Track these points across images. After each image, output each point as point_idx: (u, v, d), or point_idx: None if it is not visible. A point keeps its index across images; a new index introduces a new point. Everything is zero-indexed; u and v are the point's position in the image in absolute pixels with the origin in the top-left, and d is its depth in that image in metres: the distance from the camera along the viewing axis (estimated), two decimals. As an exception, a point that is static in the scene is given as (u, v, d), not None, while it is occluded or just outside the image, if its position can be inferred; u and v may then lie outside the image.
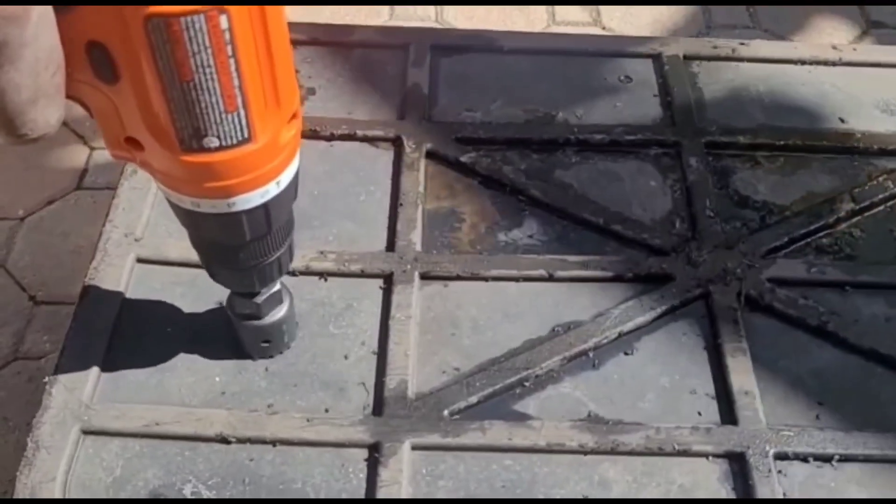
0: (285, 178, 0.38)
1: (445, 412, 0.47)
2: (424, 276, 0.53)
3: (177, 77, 0.32)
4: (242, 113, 0.34)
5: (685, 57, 0.66)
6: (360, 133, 0.60)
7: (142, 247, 0.53)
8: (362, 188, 0.57)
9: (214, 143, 0.34)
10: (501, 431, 0.46)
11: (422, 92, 0.63)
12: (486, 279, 0.53)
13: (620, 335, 0.51)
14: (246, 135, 0.35)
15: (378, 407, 0.47)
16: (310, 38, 0.66)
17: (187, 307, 0.50)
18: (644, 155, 0.60)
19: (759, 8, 1.41)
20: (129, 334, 0.49)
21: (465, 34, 0.68)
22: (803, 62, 0.66)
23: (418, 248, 0.54)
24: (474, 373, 0.49)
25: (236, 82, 0.33)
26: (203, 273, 0.52)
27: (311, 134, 0.59)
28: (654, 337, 0.51)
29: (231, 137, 0.35)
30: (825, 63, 0.66)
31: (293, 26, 0.73)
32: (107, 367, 0.48)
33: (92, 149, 1.22)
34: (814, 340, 0.51)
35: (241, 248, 0.41)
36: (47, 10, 0.27)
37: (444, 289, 0.53)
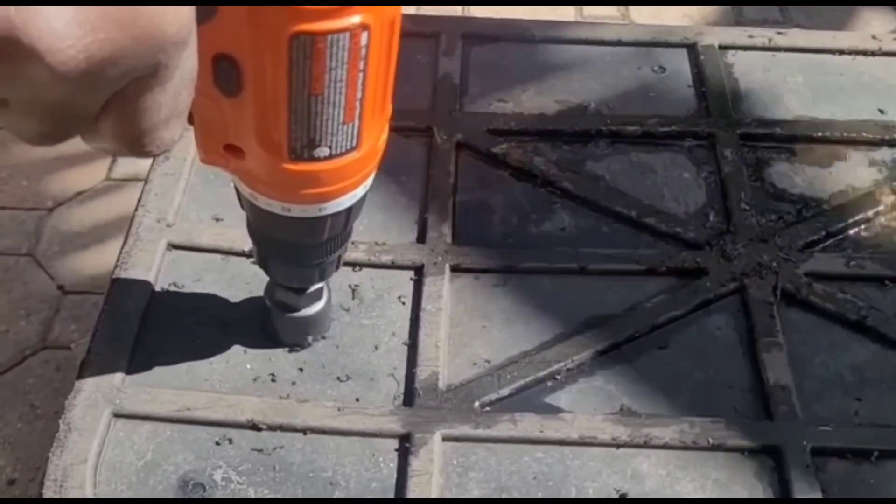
0: (371, 179, 0.39)
1: (476, 404, 0.46)
2: (455, 269, 0.52)
3: (306, 91, 0.32)
4: (357, 123, 0.34)
5: (720, 47, 0.65)
6: (390, 123, 0.59)
7: (173, 232, 0.53)
8: (393, 179, 0.57)
9: (325, 152, 0.34)
10: (533, 423, 0.46)
11: (453, 82, 0.62)
12: (517, 272, 0.52)
13: (654, 329, 0.50)
14: (354, 143, 0.35)
15: (409, 398, 0.46)
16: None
17: (218, 293, 0.50)
18: (678, 147, 0.60)
19: (793, 7, 1.39)
20: (160, 319, 0.49)
21: (497, 23, 0.67)
22: (842, 52, 0.65)
23: (449, 240, 0.53)
24: (505, 365, 0.48)
25: (359, 95, 0.33)
26: (234, 259, 0.52)
27: (341, 123, 0.59)
28: (689, 331, 0.50)
29: (341, 147, 0.34)
30: (864, 53, 0.65)
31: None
32: (138, 351, 0.48)
33: (120, 140, 1.23)
34: (852, 335, 0.50)
35: (313, 247, 0.41)
36: (195, 37, 0.26)
37: (475, 281, 0.52)
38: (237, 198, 0.40)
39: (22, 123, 0.26)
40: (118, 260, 0.51)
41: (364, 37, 0.31)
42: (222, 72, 0.31)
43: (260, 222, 0.40)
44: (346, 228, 0.41)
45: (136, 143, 0.28)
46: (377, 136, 0.36)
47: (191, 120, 0.34)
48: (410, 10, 1.38)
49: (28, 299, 1.07)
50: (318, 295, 0.47)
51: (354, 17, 0.30)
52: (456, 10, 1.39)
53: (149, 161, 0.57)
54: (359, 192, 0.38)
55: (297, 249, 0.41)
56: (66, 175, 1.19)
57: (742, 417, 0.46)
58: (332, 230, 0.40)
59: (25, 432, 0.95)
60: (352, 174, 0.36)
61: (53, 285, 1.09)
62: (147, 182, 0.56)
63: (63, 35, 0.22)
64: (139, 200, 0.55)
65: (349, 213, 0.39)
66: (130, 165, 1.19)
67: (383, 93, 0.35)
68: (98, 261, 1.10)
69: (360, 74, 0.32)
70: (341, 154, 0.35)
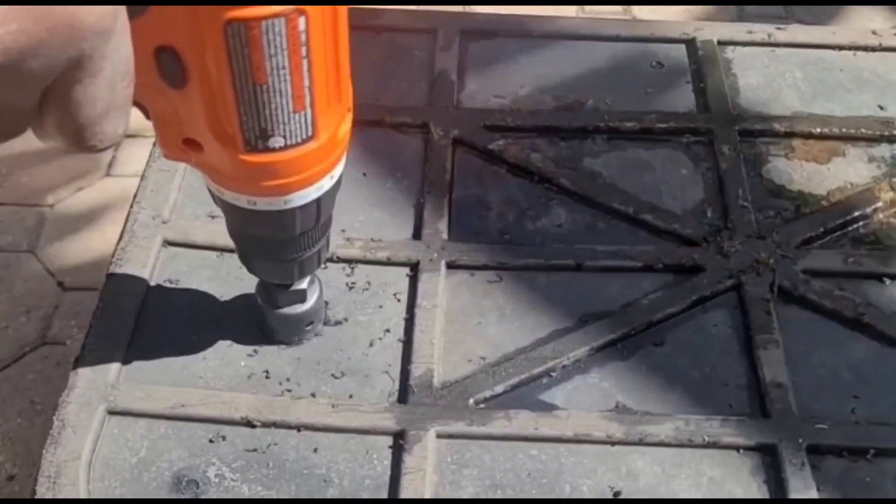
0: (338, 171, 0.38)
1: (471, 401, 0.46)
2: (451, 265, 0.52)
3: (250, 80, 0.31)
4: (309, 112, 0.33)
5: (719, 42, 0.65)
6: (387, 119, 0.59)
7: (169, 229, 0.53)
8: (389, 175, 0.57)
9: (280, 142, 0.34)
10: (528, 421, 0.45)
11: (450, 78, 0.62)
12: (513, 268, 0.52)
13: (650, 326, 0.50)
14: (310, 133, 0.34)
15: (403, 395, 0.46)
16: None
17: (213, 290, 0.50)
18: (676, 143, 0.59)
19: (795, 7, 1.38)
20: (155, 316, 0.49)
21: (495, 18, 0.67)
22: (841, 48, 0.65)
23: (445, 236, 0.53)
24: (500, 362, 0.48)
25: (307, 82, 0.32)
26: (230, 256, 0.52)
27: (337, 119, 0.59)
28: (685, 328, 0.50)
29: (296, 136, 0.34)
30: (864, 48, 0.65)
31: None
32: (133, 348, 0.48)
33: (120, 137, 1.23)
34: (849, 333, 0.50)
35: (287, 241, 0.40)
36: (126, 19, 0.26)
37: (471, 278, 0.52)
38: (211, 196, 0.40)
39: None
40: (113, 256, 0.51)
41: (301, 21, 0.30)
42: (165, 64, 0.31)
43: (230, 217, 0.40)
44: (319, 222, 0.40)
45: (78, 137, 0.28)
46: (335, 126, 0.36)
47: (148, 116, 0.34)
48: (409, 6, 1.37)
49: (28, 296, 1.07)
50: (308, 292, 0.46)
51: (289, 5, 0.30)
52: (456, 8, 1.39)
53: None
54: (325, 183, 0.38)
55: (271, 245, 0.41)
56: (66, 172, 1.19)
57: (738, 415, 0.46)
58: (303, 224, 0.39)
59: (25, 428, 0.95)
60: (312, 164, 0.36)
61: (53, 282, 1.09)
62: (143, 178, 0.56)
63: None
64: (134, 197, 0.55)
65: (318, 206, 0.39)
66: (131, 163, 1.19)
67: (336, 80, 0.34)
68: (98, 257, 1.10)
69: (304, 61, 0.31)
70: (297, 144, 0.34)
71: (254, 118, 0.33)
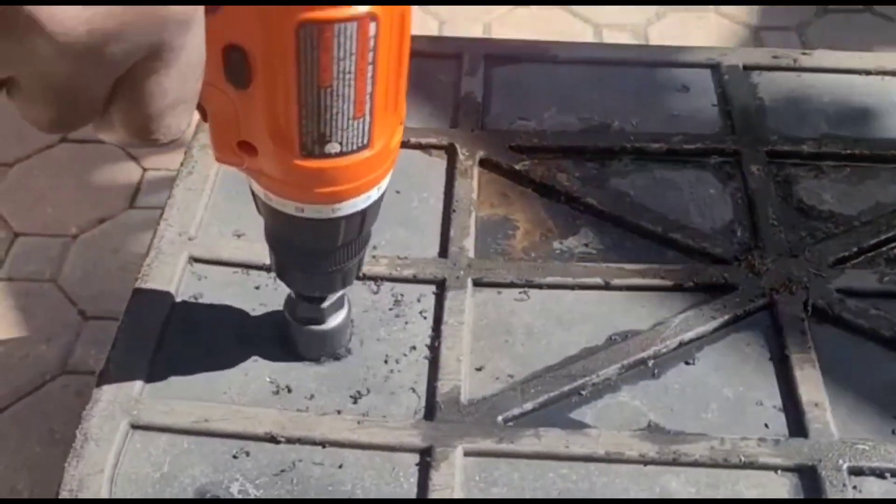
0: (384, 183, 0.38)
1: (499, 418, 0.45)
2: (477, 283, 0.52)
3: (315, 82, 0.31)
4: (367, 119, 0.34)
5: (745, 67, 0.65)
6: (413, 140, 0.59)
7: (195, 246, 0.53)
8: (415, 195, 0.57)
9: (336, 148, 0.34)
10: (558, 439, 0.44)
11: (475, 100, 0.62)
12: (540, 286, 0.51)
13: (681, 344, 0.49)
14: (365, 141, 0.34)
15: (430, 412, 0.45)
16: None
17: (238, 306, 0.50)
18: (703, 164, 0.59)
19: (812, 33, 1.39)
20: (180, 331, 0.49)
21: (519, 44, 0.68)
22: (868, 72, 0.65)
23: (471, 254, 0.53)
24: (529, 380, 0.47)
25: (369, 88, 0.32)
26: (255, 273, 0.52)
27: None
28: (717, 347, 0.49)
29: (352, 143, 0.34)
30: (892, 73, 0.64)
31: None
32: (157, 362, 0.47)
33: (144, 169, 1.24)
34: (887, 353, 0.49)
35: (328, 251, 0.40)
36: (202, 11, 0.26)
37: (498, 296, 0.51)
38: (254, 202, 0.40)
39: (33, 108, 0.26)
40: (139, 273, 0.51)
41: (372, 27, 0.30)
42: (232, 63, 0.31)
43: (274, 224, 0.40)
44: (362, 233, 0.40)
45: (143, 129, 0.28)
46: (389, 136, 0.36)
47: (204, 116, 0.34)
48: (433, 31, 1.40)
49: (49, 324, 1.08)
50: (337, 308, 0.46)
51: (362, 6, 0.29)
52: (477, 30, 1.41)
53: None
54: (372, 194, 0.38)
55: (312, 254, 0.41)
56: (90, 203, 1.20)
57: (775, 435, 0.45)
58: (346, 234, 0.39)
59: (44, 456, 0.95)
60: (364, 174, 0.36)
61: (75, 310, 1.09)
62: (170, 197, 0.56)
63: (65, 6, 0.22)
64: (161, 215, 0.55)
65: (363, 217, 0.39)
66: (154, 195, 1.20)
67: (395, 90, 0.34)
68: (120, 287, 1.10)
69: (370, 67, 0.32)
70: (352, 151, 0.34)
71: (314, 122, 0.33)
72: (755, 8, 1.45)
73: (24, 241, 1.16)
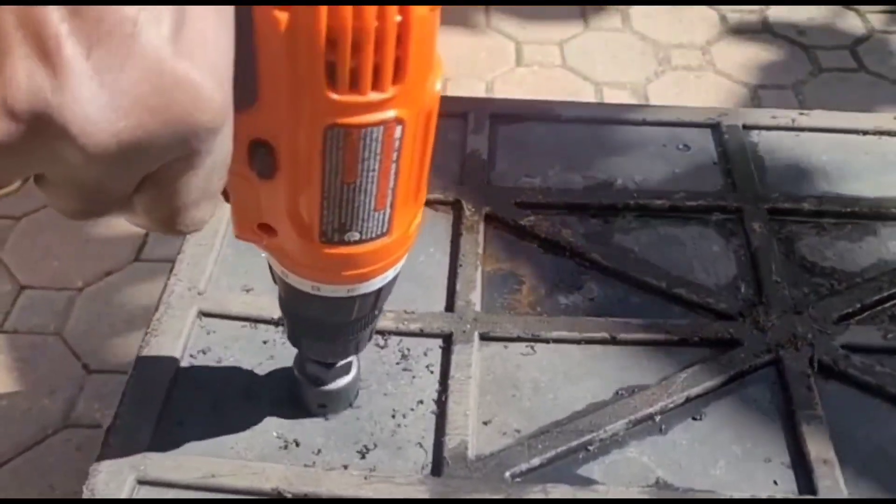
0: (401, 263, 0.39)
1: (507, 474, 0.45)
2: (484, 337, 0.52)
3: (339, 179, 0.32)
4: (388, 211, 0.34)
5: (744, 126, 0.66)
6: (420, 198, 0.60)
7: (204, 300, 0.53)
8: (422, 250, 0.57)
9: (355, 237, 0.34)
10: (566, 495, 0.44)
11: (481, 158, 0.64)
12: (546, 341, 0.52)
13: (688, 400, 0.49)
14: (385, 229, 0.35)
15: (437, 467, 0.45)
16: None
17: (247, 361, 0.50)
18: (705, 220, 0.60)
19: (808, 95, 1.42)
20: (189, 386, 0.49)
21: (523, 103, 0.69)
22: (866, 132, 0.66)
23: (478, 308, 0.53)
24: (536, 435, 0.47)
25: (392, 184, 0.33)
26: (263, 328, 0.52)
27: (372, 196, 0.60)
28: (724, 402, 0.49)
29: (371, 232, 0.35)
30: (889, 133, 0.66)
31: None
32: (165, 417, 0.47)
33: (151, 223, 1.26)
34: (893, 409, 0.49)
35: (342, 324, 0.41)
36: (231, 117, 0.26)
37: (504, 350, 0.52)
38: (270, 272, 0.40)
39: (61, 200, 0.26)
40: (149, 327, 0.52)
41: (398, 130, 0.31)
42: (258, 156, 0.32)
43: (291, 299, 0.40)
44: (377, 308, 0.41)
45: (168, 221, 0.28)
46: (409, 223, 0.37)
47: (227, 197, 0.35)
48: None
49: (53, 378, 1.07)
50: (347, 368, 0.46)
51: (389, 111, 0.30)
52: (480, 88, 1.44)
53: (177, 243, 0.58)
54: (389, 274, 0.39)
55: (325, 327, 0.42)
56: (96, 256, 1.21)
57: (784, 492, 0.44)
58: (360, 310, 0.40)
59: (42, 513, 0.93)
60: (382, 258, 0.37)
61: (79, 364, 1.09)
62: (180, 252, 0.57)
63: (96, 119, 0.22)
64: (171, 270, 0.55)
65: (378, 294, 0.39)
66: (160, 248, 1.21)
67: (417, 181, 0.35)
68: (124, 340, 1.11)
69: (393, 165, 0.32)
70: (372, 239, 0.35)
71: (335, 214, 0.33)
72: (753, 67, 1.48)
73: (30, 293, 1.17)
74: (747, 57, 1.50)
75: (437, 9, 0.29)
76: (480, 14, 1.60)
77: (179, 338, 0.51)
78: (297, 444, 0.47)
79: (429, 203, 0.61)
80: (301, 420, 0.48)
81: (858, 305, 0.54)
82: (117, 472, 0.44)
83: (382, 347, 0.51)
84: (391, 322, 0.52)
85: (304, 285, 0.38)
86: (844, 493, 0.44)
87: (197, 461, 0.45)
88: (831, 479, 0.45)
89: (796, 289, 0.55)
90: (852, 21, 1.56)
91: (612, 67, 1.48)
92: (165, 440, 0.46)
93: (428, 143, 0.34)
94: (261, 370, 0.50)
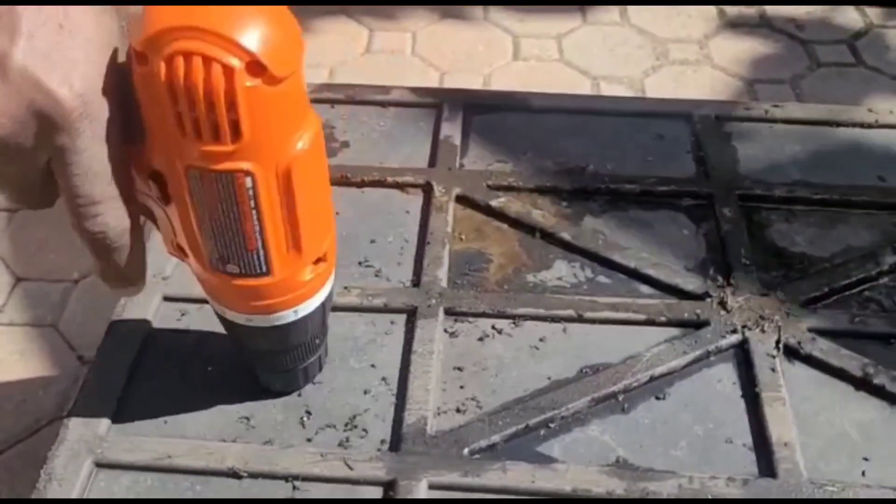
0: (304, 308, 0.41)
1: (465, 450, 0.45)
2: (449, 312, 0.52)
3: (207, 214, 0.36)
4: (262, 253, 0.38)
5: (717, 118, 0.66)
6: (390, 179, 0.61)
7: (168, 286, 0.54)
8: (391, 230, 0.58)
9: (235, 269, 0.38)
10: (524, 473, 0.44)
11: (453, 143, 0.64)
12: (512, 317, 0.52)
13: (652, 379, 0.49)
14: (264, 269, 0.38)
15: (395, 443, 0.45)
16: (346, 97, 0.68)
17: (208, 343, 0.50)
18: (676, 205, 0.60)
19: (806, 89, 1.41)
20: (150, 369, 0.49)
21: (498, 94, 0.70)
22: (839, 124, 0.66)
23: (444, 284, 0.53)
24: (497, 411, 0.47)
25: (257, 228, 0.36)
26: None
27: (341, 180, 0.60)
28: (688, 382, 0.49)
29: (251, 269, 0.38)
30: (861, 125, 0.65)
31: (330, 87, 0.75)
32: (125, 401, 0.47)
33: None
34: (857, 393, 0.48)
35: (283, 353, 0.44)
36: (99, 131, 0.34)
37: (469, 326, 0.52)
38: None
39: None
40: (113, 314, 0.52)
41: (248, 181, 0.35)
42: (157, 184, 0.37)
43: (227, 331, 0.44)
44: (309, 336, 0.43)
45: (77, 225, 0.36)
46: (296, 271, 0.39)
47: (152, 219, 0.40)
48: (434, 83, 1.43)
49: (47, 369, 1.08)
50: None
51: (238, 162, 0.34)
52: (477, 82, 1.43)
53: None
54: (306, 306, 0.41)
55: (269, 356, 0.45)
56: (92, 249, 1.22)
57: (744, 474, 0.44)
58: (296, 337, 0.43)
59: None
60: (275, 295, 0.40)
61: (74, 356, 1.10)
62: (147, 240, 0.57)
63: None
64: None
65: (307, 323, 0.42)
66: (155, 240, 1.22)
67: (294, 233, 0.38)
68: (116, 331, 1.11)
69: (253, 212, 0.36)
70: (255, 275, 0.38)
71: (213, 245, 0.37)
72: (750, 61, 1.47)
73: (25, 285, 1.17)
74: (745, 51, 1.49)
75: (287, 82, 0.33)
76: (478, 8, 1.60)
77: (143, 323, 0.51)
78: (257, 423, 0.47)
79: (399, 186, 0.61)
80: (263, 400, 0.48)
81: (826, 289, 0.53)
82: (75, 456, 0.45)
83: (346, 323, 0.52)
84: (355, 298, 0.52)
85: (215, 306, 0.42)
86: (804, 477, 0.44)
87: (154, 443, 0.45)
88: (791, 463, 0.44)
89: (765, 272, 0.54)
90: (850, 15, 1.55)
91: (609, 61, 1.47)
92: (125, 424, 0.47)
93: (296, 198, 0.36)
94: (223, 351, 0.50)
